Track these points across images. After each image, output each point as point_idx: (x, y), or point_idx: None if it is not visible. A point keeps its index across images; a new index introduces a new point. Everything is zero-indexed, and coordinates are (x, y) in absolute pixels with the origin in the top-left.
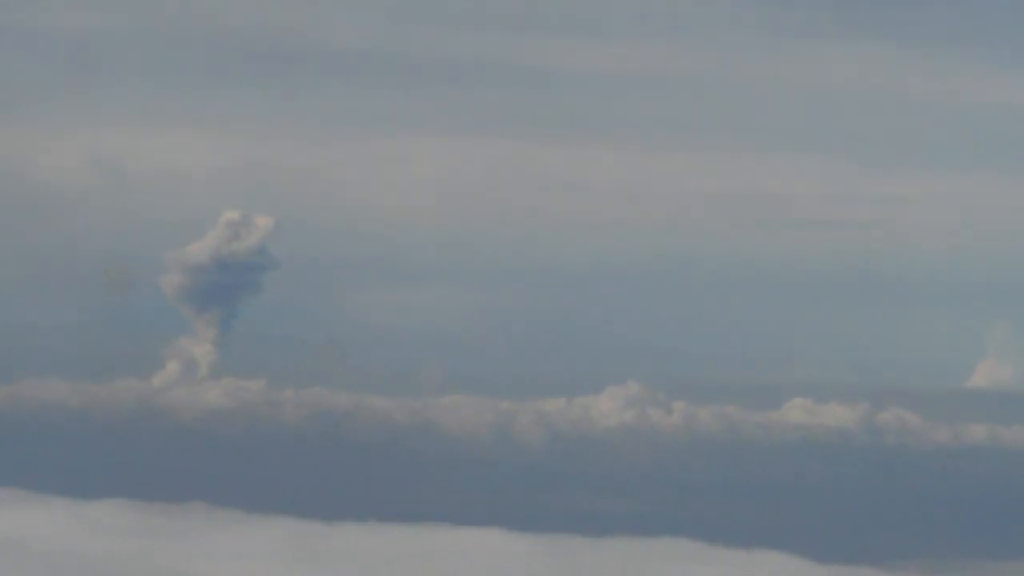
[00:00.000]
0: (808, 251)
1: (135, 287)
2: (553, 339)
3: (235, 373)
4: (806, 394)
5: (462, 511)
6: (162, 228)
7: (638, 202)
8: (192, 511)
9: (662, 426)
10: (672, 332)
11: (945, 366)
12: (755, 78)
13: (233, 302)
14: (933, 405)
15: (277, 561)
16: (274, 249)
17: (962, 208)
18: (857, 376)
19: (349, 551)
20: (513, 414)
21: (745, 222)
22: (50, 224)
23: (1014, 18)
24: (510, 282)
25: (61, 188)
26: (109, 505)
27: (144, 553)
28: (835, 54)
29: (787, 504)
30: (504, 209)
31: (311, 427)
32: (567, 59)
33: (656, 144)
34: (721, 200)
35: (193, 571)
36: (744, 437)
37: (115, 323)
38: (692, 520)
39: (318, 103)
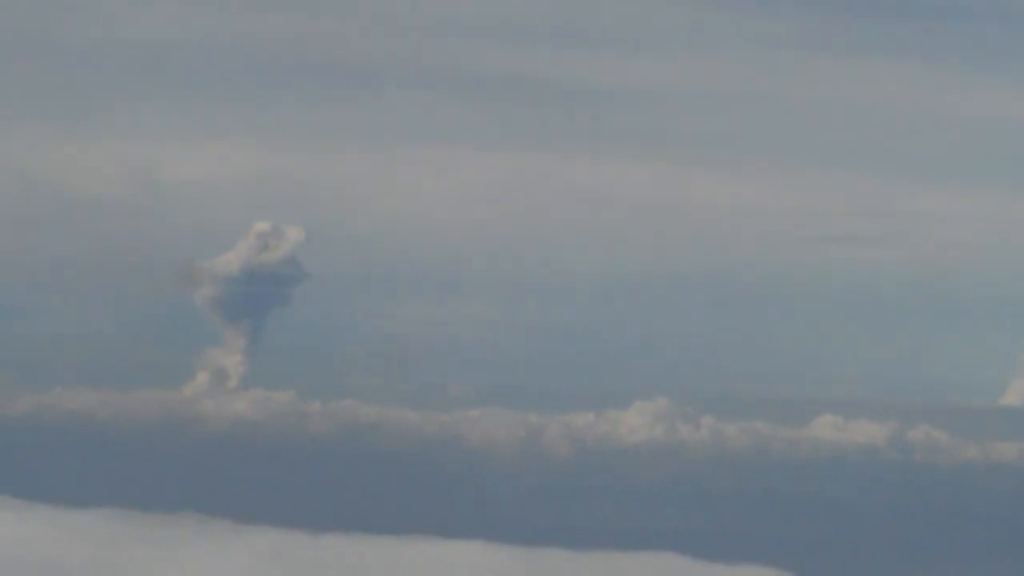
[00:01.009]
0: (839, 266)
1: (168, 297)
2: (583, 352)
3: (264, 384)
4: (835, 411)
5: (481, 524)
6: (194, 238)
7: (667, 215)
8: (182, 521)
9: (690, 441)
10: (702, 347)
11: (977, 384)
12: (781, 93)
13: (263, 313)
14: (963, 423)
15: (257, 572)
16: (304, 260)
17: (996, 223)
18: (887, 393)
19: (331, 562)
20: (541, 428)
21: (775, 236)
22: (82, 234)
23: None
24: (540, 295)
25: (93, 198)
26: (99, 514)
27: (124, 562)
28: (863, 69)
29: (812, 521)
30: (534, 221)
31: (337, 439)
32: (594, 73)
33: (687, 157)
34: (750, 214)
35: None
36: (772, 453)
37: (146, 333)
38: (712, 536)
39: (350, 114)
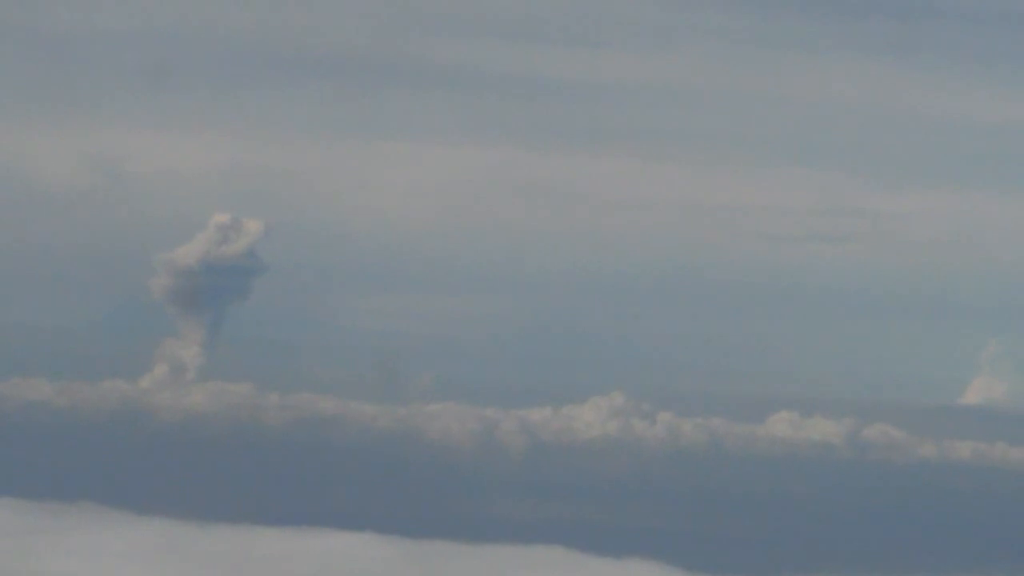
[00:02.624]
0: (800, 264)
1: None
2: (543, 348)
3: (222, 377)
4: (793, 408)
5: (431, 518)
6: (153, 230)
7: (629, 212)
8: (77, 511)
9: (646, 437)
10: (661, 343)
11: (939, 383)
12: (753, 91)
13: (222, 306)
14: (922, 421)
15: (141, 561)
16: (263, 253)
17: (959, 225)
18: (847, 391)
19: (215, 553)
20: (497, 422)
21: (736, 234)
22: (41, 224)
23: (1015, 38)
24: (500, 290)
25: (54, 188)
26: None
27: (5, 551)
28: (836, 69)
29: (765, 518)
30: (495, 217)
31: (293, 432)
32: (565, 69)
33: (650, 155)
34: (712, 212)
35: (49, 570)
36: (728, 450)
37: (106, 324)
38: (660, 532)
39: (313, 107)
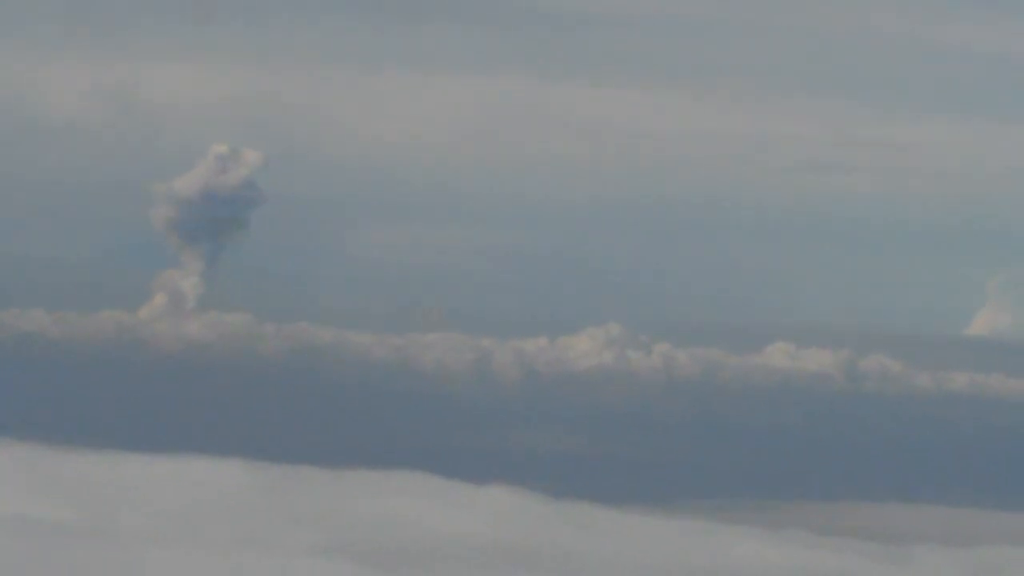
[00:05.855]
0: (806, 195)
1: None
2: (539, 278)
3: (221, 307)
4: (791, 338)
5: (417, 448)
6: (154, 160)
7: (634, 143)
8: None
9: (641, 368)
10: (658, 273)
11: (946, 314)
12: (759, 21)
13: (221, 236)
14: (922, 352)
15: None
16: (263, 184)
17: (968, 155)
18: (847, 322)
19: (71, 479)
20: (492, 352)
21: (740, 164)
22: (43, 154)
23: None
24: (498, 221)
25: (57, 118)
26: None
27: None
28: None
29: (760, 447)
30: (495, 148)
31: (288, 362)
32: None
33: (653, 86)
34: (716, 142)
35: None
36: (724, 380)
37: (104, 255)
38: (653, 462)
39: (318, 37)
